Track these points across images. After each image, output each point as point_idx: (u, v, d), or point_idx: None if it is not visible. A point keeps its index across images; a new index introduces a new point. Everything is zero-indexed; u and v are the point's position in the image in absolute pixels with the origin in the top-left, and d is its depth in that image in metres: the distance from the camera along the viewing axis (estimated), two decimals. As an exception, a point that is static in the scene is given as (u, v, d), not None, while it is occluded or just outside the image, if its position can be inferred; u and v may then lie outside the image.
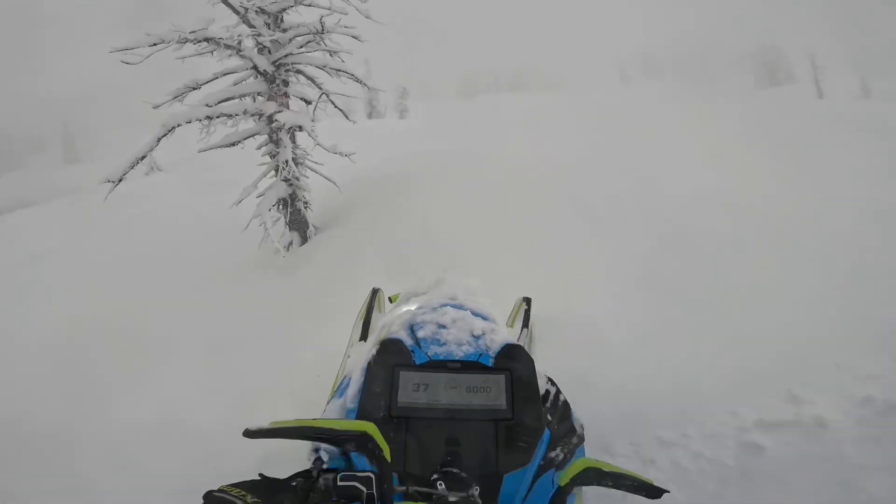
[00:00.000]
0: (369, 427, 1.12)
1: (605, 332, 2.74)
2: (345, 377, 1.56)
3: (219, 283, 4.55)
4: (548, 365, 1.75)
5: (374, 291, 2.33)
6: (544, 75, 61.06)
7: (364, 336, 2.03)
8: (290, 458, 1.44)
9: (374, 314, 2.18)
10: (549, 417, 1.40)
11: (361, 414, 1.30)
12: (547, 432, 1.34)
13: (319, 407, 1.60)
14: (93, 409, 2.62)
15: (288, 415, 1.30)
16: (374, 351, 1.42)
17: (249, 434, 1.06)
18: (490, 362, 1.37)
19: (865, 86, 27.81)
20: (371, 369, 1.37)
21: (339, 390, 1.50)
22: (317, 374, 2.25)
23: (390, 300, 2.33)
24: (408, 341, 1.42)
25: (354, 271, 3.90)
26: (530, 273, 3.29)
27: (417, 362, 1.36)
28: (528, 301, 2.39)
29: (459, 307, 1.56)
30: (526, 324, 2.22)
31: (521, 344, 1.78)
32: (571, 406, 1.51)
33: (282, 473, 1.07)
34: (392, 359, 1.37)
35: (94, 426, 2.49)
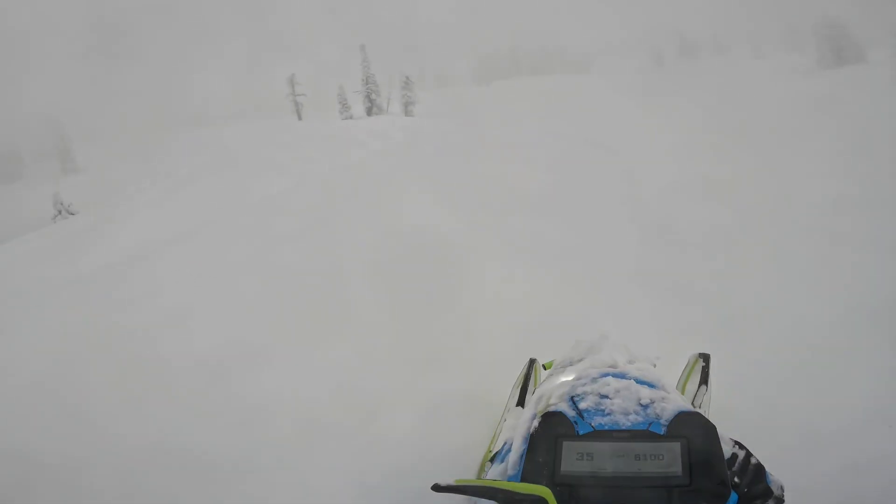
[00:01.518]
0: (545, 492, 1.16)
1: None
2: (505, 443, 1.59)
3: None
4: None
5: (531, 361, 2.44)
6: (568, 55, 56.97)
7: (521, 402, 2.16)
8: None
9: (530, 383, 2.29)
10: (736, 480, 1.31)
11: (524, 481, 1.28)
12: (734, 496, 1.24)
13: None
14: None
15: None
16: (536, 423, 1.37)
17: (438, 489, 1.20)
18: (662, 430, 1.27)
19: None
20: (534, 439, 1.34)
21: (500, 455, 1.54)
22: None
23: (544, 367, 2.27)
24: (570, 413, 1.36)
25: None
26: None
27: (581, 433, 1.30)
28: (705, 358, 2.33)
29: (621, 376, 1.45)
30: (705, 381, 2.16)
31: (699, 410, 1.61)
32: (766, 468, 1.38)
33: None
34: (555, 430, 1.32)
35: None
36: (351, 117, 22.06)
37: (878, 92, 11.95)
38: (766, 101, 13.21)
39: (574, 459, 1.24)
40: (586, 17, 61.93)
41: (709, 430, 1.25)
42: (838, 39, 27.02)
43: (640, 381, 1.41)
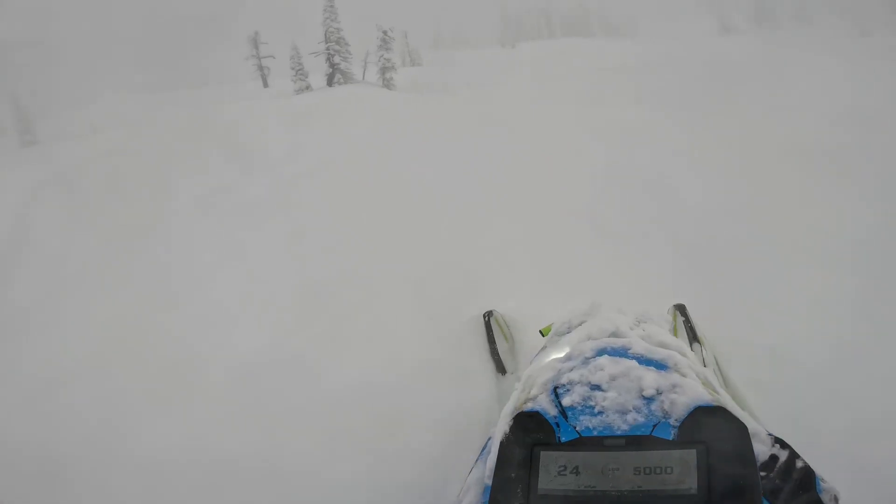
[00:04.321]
0: None
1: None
2: (488, 438, 1.24)
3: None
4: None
5: (487, 317, 2.25)
6: (608, 17, 48.31)
7: (501, 369, 2.10)
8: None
9: (500, 342, 2.13)
10: (777, 482, 0.98)
11: (493, 500, 0.98)
12: None
13: None
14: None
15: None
16: (507, 427, 1.06)
17: None
18: (671, 434, 0.95)
19: None
20: (504, 449, 1.03)
21: (482, 454, 1.21)
22: None
23: (542, 333, 1.84)
24: (550, 412, 1.05)
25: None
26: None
27: (563, 439, 0.99)
28: (680, 309, 2.03)
29: (621, 354, 1.12)
30: (694, 337, 1.85)
31: (718, 400, 1.05)
32: (817, 472, 1.02)
33: None
34: (530, 436, 1.01)
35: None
36: (308, 87, 15.51)
37: None
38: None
39: (555, 474, 0.95)
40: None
41: (737, 430, 0.92)
42: None
43: (643, 362, 1.07)
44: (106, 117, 16.08)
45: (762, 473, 0.97)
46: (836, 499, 1.01)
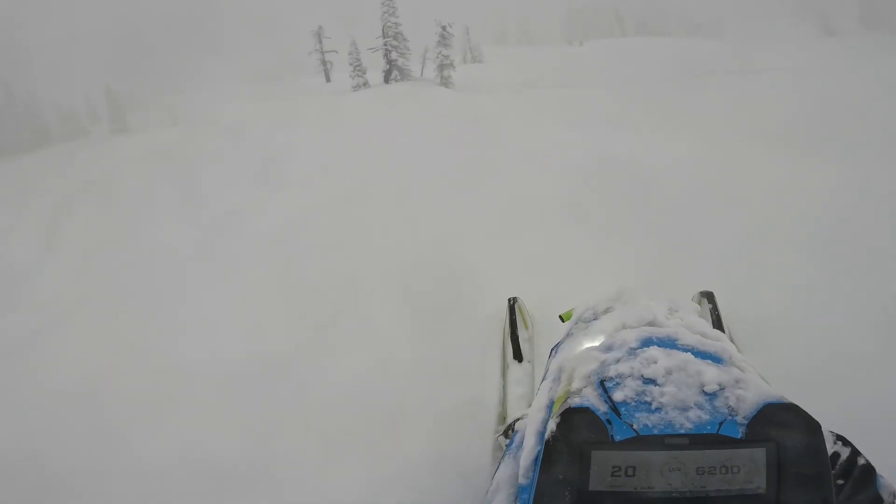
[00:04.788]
0: None
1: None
2: (516, 431, 1.20)
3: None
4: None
5: (512, 303, 2.25)
6: (688, 15, 44.70)
7: (518, 356, 2.06)
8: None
9: (521, 329, 2.15)
10: (839, 482, 1.02)
11: (539, 501, 0.91)
12: None
13: None
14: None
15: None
16: (553, 425, 0.95)
17: None
18: (739, 433, 0.88)
19: None
20: (551, 447, 0.93)
21: (511, 449, 1.14)
22: None
23: (561, 319, 1.73)
24: (600, 408, 0.94)
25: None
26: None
27: (618, 438, 0.90)
28: (708, 297, 2.03)
29: (670, 345, 1.04)
30: (719, 325, 1.86)
31: (786, 399, 0.96)
32: (877, 469, 1.05)
33: None
34: (581, 435, 0.92)
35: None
36: (366, 84, 15.05)
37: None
38: None
39: (608, 475, 0.88)
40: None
41: (810, 428, 0.86)
42: None
43: (699, 354, 1.00)
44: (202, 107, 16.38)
45: None
46: (894, 495, 1.00)
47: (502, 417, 2.00)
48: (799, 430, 0.87)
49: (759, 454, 0.86)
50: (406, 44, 15.20)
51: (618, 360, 1.02)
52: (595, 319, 1.30)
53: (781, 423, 0.88)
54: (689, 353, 0.99)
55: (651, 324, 1.15)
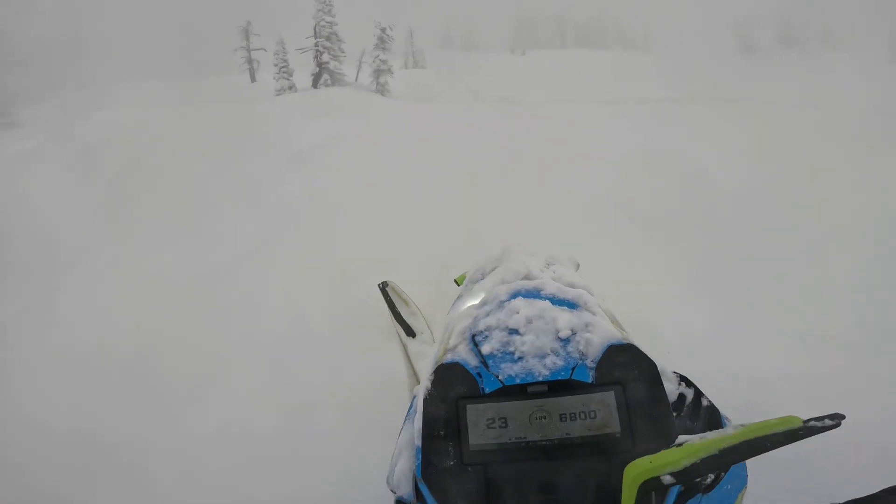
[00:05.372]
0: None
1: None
2: (413, 397, 1.19)
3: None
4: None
5: (383, 289, 2.34)
6: (623, 30, 46.69)
7: (410, 332, 2.10)
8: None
9: (402, 308, 2.21)
10: (689, 424, 1.01)
11: (426, 466, 0.91)
12: None
13: None
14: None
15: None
16: (428, 382, 0.99)
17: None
18: (590, 376, 0.93)
19: None
20: (428, 406, 0.95)
21: (410, 413, 1.14)
22: None
23: (456, 283, 1.95)
24: (471, 362, 0.98)
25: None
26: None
27: (487, 390, 0.94)
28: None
29: (534, 295, 1.08)
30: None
31: (631, 339, 1.06)
32: (721, 409, 1.04)
33: None
34: (454, 390, 0.95)
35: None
36: (291, 87, 13.64)
37: None
38: None
39: (484, 428, 0.91)
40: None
41: (647, 367, 0.92)
42: None
43: (556, 302, 1.05)
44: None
45: (674, 413, 0.95)
46: None
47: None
48: (638, 371, 0.91)
49: (609, 398, 0.89)
50: (341, 45, 14.02)
51: (487, 314, 1.05)
52: (482, 279, 1.33)
53: (623, 365, 0.91)
54: (547, 301, 1.03)
55: (526, 277, 1.19)
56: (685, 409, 1.02)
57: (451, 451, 0.89)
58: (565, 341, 0.96)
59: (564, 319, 0.98)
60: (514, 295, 1.07)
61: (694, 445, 0.72)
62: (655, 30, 46.56)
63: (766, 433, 0.71)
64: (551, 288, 1.09)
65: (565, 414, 0.88)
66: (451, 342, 1.05)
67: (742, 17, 37.76)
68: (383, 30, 13.54)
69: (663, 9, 49.46)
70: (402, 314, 2.19)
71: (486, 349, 0.98)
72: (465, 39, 49.19)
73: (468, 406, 0.91)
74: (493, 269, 1.33)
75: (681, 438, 0.77)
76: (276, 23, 20.02)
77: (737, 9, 39.41)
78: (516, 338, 0.97)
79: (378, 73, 13.33)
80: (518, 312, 1.00)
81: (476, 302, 1.15)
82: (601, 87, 13.19)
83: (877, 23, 31.75)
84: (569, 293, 1.08)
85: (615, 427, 0.87)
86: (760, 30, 36.36)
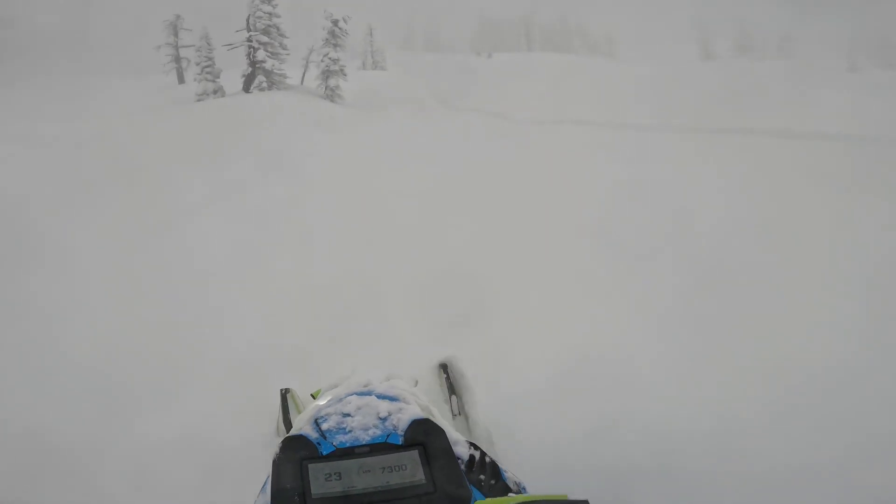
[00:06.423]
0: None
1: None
2: (267, 477, 1.45)
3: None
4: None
5: (284, 394, 2.47)
6: (588, 35, 46.38)
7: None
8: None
9: (294, 413, 2.37)
10: (481, 478, 1.33)
11: None
12: (477, 493, 1.28)
13: None
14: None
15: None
16: (278, 449, 1.29)
17: None
18: (400, 440, 1.30)
19: None
20: (277, 466, 1.24)
21: (263, 487, 1.41)
22: None
23: (313, 396, 2.24)
24: (312, 435, 1.31)
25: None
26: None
27: (324, 452, 1.26)
28: (444, 368, 2.48)
29: (366, 393, 1.45)
30: (452, 391, 2.37)
31: (429, 416, 1.50)
32: (500, 465, 1.41)
33: None
34: (298, 453, 1.25)
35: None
36: (217, 91, 11.29)
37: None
38: None
39: (323, 481, 1.18)
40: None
41: (439, 433, 1.29)
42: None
43: (381, 397, 1.41)
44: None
45: (468, 470, 1.26)
46: (517, 484, 1.31)
47: None
48: (433, 435, 1.24)
49: (414, 455, 1.19)
50: (282, 41, 11.80)
51: (328, 406, 1.36)
52: (331, 390, 1.60)
53: (423, 432, 1.24)
54: (373, 396, 1.36)
55: (365, 386, 1.46)
56: (475, 465, 1.30)
57: (297, 500, 1.12)
58: (384, 419, 1.28)
59: (384, 406, 1.31)
60: (351, 394, 1.39)
61: (495, 501, 1.10)
62: (618, 35, 46.51)
63: (536, 500, 1.06)
64: (380, 388, 1.42)
65: (385, 467, 1.17)
66: (298, 425, 1.35)
67: (702, 25, 38.08)
68: (335, 22, 11.41)
69: (626, 14, 49.56)
70: (290, 419, 2.30)
71: (325, 426, 1.28)
72: (428, 40, 47.38)
73: (310, 465, 1.17)
74: (340, 384, 1.58)
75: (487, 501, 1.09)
76: (207, 15, 17.39)
77: (698, 18, 39.78)
78: (348, 418, 1.28)
79: (327, 74, 11.18)
80: (351, 402, 1.32)
81: (323, 402, 1.42)
82: (586, 107, 11.70)
83: (835, 32, 32.60)
84: (391, 391, 1.41)
85: (421, 476, 1.16)
86: (720, 38, 36.77)
